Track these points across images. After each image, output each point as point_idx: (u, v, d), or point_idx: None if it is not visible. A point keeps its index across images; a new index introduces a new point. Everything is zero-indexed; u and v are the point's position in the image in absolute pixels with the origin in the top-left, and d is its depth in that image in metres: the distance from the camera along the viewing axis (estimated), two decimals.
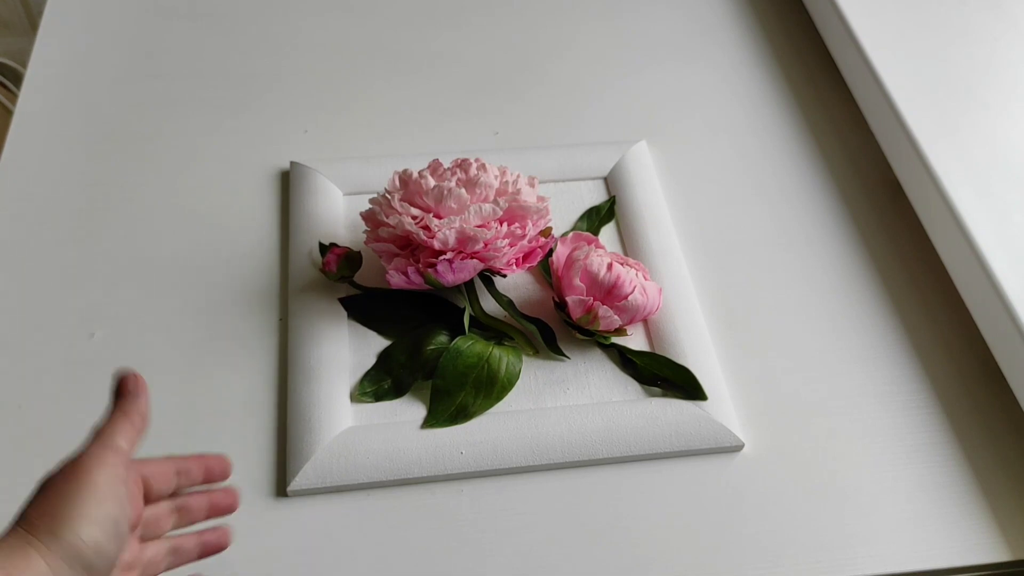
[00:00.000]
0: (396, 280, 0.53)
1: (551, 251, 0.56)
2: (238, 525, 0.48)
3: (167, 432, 0.52)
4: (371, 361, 0.54)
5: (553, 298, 0.56)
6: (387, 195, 0.54)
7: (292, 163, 0.65)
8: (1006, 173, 0.59)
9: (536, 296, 0.58)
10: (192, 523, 0.41)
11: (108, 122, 0.69)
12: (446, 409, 0.52)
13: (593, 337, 0.55)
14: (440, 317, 0.56)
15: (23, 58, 1.19)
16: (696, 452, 0.52)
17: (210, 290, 0.58)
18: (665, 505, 0.50)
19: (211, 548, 0.42)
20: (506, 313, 0.56)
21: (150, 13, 0.78)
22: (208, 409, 0.53)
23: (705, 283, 0.60)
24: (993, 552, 0.49)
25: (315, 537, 0.48)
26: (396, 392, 0.53)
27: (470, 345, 0.54)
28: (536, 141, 0.68)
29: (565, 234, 0.57)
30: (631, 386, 0.54)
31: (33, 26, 1.17)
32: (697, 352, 0.55)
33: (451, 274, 0.52)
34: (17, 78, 1.19)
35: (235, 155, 0.67)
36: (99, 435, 0.38)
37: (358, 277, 0.58)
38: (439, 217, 0.52)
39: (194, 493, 0.41)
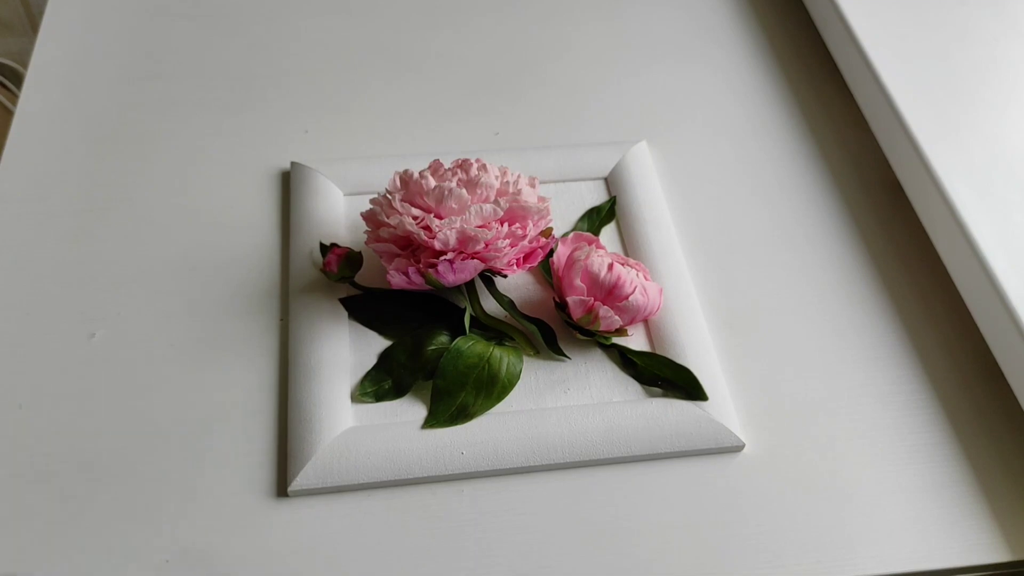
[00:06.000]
0: (397, 280, 0.53)
1: (552, 251, 0.56)
2: (238, 525, 0.49)
3: (167, 432, 0.52)
4: (372, 361, 0.54)
5: (554, 298, 0.56)
6: (388, 195, 0.54)
7: (292, 163, 0.65)
8: (1006, 173, 0.59)
9: (537, 296, 0.58)
10: None
11: (108, 122, 0.69)
12: (447, 409, 0.52)
13: (594, 337, 0.55)
14: (441, 317, 0.56)
15: (23, 58, 1.19)
16: (696, 452, 0.52)
17: (210, 290, 0.58)
18: (665, 505, 0.50)
19: None
20: (507, 313, 0.56)
21: (150, 13, 0.78)
22: (208, 409, 0.53)
23: (705, 283, 0.60)
24: (993, 552, 0.49)
25: (315, 537, 0.48)
26: (397, 392, 0.53)
27: (471, 345, 0.54)
28: (536, 141, 0.68)
29: (566, 234, 0.57)
30: (632, 386, 0.54)
31: (33, 26, 1.17)
32: (697, 352, 0.55)
33: (452, 274, 0.52)
34: (17, 78, 1.19)
35: (235, 155, 0.67)
36: None
37: (359, 277, 0.58)
38: (440, 217, 0.52)
39: None
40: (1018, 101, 0.64)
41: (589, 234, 0.57)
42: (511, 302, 0.57)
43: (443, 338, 0.55)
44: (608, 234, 0.62)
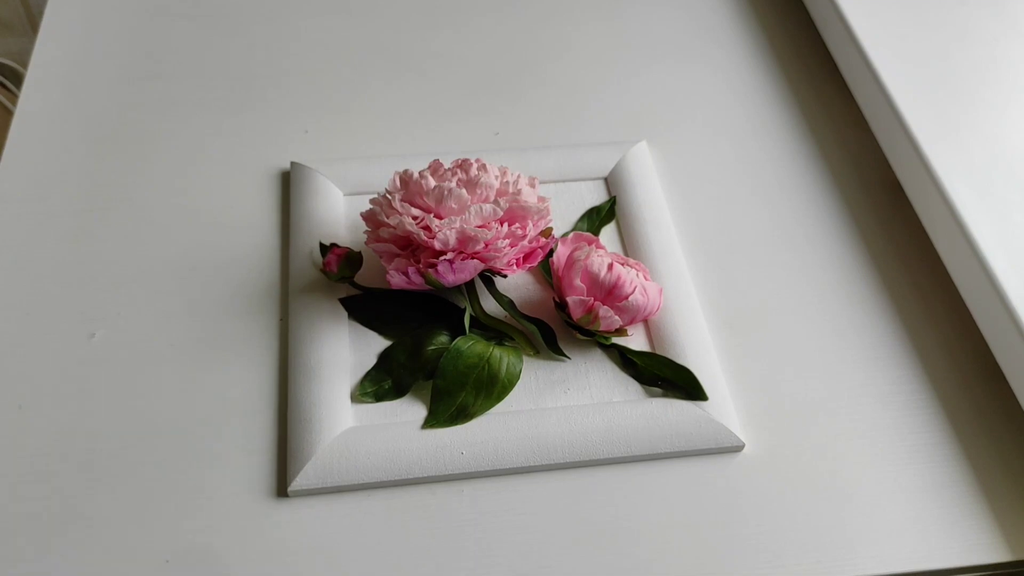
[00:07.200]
0: (396, 280, 0.53)
1: (551, 251, 0.56)
2: (238, 525, 0.49)
3: (167, 432, 0.52)
4: (371, 361, 0.54)
5: (553, 298, 0.56)
6: (388, 195, 0.54)
7: (292, 163, 0.65)
8: (1006, 173, 0.59)
9: (536, 296, 0.58)
10: None
11: (108, 122, 0.69)
12: (446, 409, 0.52)
13: (593, 337, 0.55)
14: (440, 317, 0.56)
15: (23, 58, 1.19)
16: (696, 452, 0.52)
17: (210, 290, 0.58)
18: (665, 505, 0.50)
19: None
20: (506, 313, 0.56)
21: (150, 13, 0.78)
22: (208, 409, 0.53)
23: (705, 283, 0.60)
24: (993, 552, 0.49)
25: (315, 537, 0.48)
26: (397, 392, 0.53)
27: (470, 345, 0.54)
28: (536, 141, 0.68)
29: (566, 234, 0.57)
30: (631, 386, 0.54)
31: (33, 26, 1.17)
32: (697, 352, 0.55)
33: (451, 274, 0.52)
34: (17, 78, 1.19)
35: (235, 155, 0.67)
36: None
37: (358, 277, 0.58)
38: (440, 217, 0.52)
39: None
40: (1018, 101, 0.64)
41: (589, 234, 0.57)
42: (511, 302, 0.57)
43: (443, 338, 0.55)
44: (608, 234, 0.62)
